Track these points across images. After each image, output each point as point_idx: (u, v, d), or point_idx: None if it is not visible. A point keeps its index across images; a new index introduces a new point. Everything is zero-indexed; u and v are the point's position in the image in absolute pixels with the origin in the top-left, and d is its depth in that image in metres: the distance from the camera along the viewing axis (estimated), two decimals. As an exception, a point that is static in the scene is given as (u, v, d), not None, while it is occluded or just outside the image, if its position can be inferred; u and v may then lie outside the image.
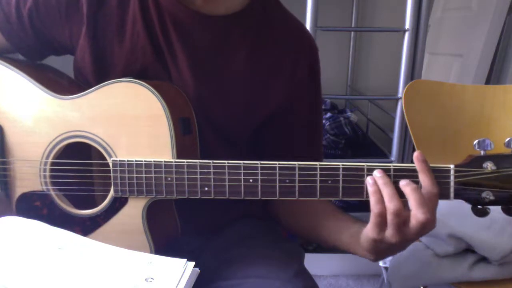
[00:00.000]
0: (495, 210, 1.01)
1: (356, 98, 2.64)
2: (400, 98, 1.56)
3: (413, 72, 1.55)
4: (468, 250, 1.02)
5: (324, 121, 2.21)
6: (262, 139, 0.82)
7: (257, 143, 0.82)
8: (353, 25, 2.53)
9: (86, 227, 0.72)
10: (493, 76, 1.99)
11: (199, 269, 0.52)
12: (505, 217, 0.99)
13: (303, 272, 0.73)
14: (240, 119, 0.78)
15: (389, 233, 0.59)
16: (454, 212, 1.04)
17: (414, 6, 1.48)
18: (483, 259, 1.00)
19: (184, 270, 0.51)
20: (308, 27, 1.49)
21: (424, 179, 0.59)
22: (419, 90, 1.24)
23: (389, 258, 1.36)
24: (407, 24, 1.50)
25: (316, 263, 1.75)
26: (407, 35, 1.51)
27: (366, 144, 2.26)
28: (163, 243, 0.72)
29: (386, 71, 2.27)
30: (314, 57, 0.82)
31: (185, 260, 0.53)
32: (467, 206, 1.05)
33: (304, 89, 0.81)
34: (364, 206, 0.63)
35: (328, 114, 2.26)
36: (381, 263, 1.41)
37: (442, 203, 1.07)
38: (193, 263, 0.52)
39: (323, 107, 2.44)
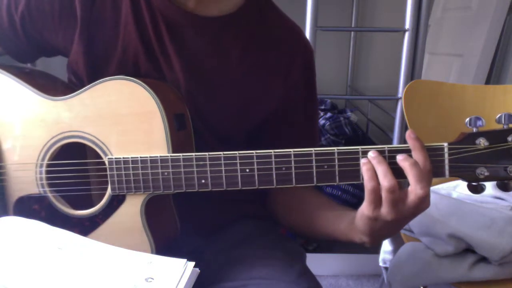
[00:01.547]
0: (495, 210, 1.01)
1: (356, 98, 2.65)
2: (400, 98, 1.56)
3: (413, 72, 1.55)
4: (468, 250, 1.02)
5: (324, 121, 2.21)
6: (259, 140, 0.81)
7: (254, 144, 0.82)
8: (353, 25, 2.53)
9: (85, 227, 0.71)
10: (493, 76, 1.99)
11: (200, 270, 0.52)
12: (505, 217, 1.00)
13: (307, 272, 0.73)
14: (235, 120, 0.78)
15: (384, 210, 0.59)
16: (454, 212, 1.04)
17: (414, 6, 1.48)
18: (483, 259, 1.00)
19: (184, 270, 0.51)
20: (308, 27, 1.49)
21: (417, 156, 0.60)
22: (419, 90, 1.25)
23: (389, 258, 1.36)
24: (407, 24, 1.50)
25: (316, 263, 1.75)
26: (407, 35, 1.51)
27: (366, 144, 2.26)
28: (163, 241, 0.72)
29: (386, 71, 2.27)
30: (309, 57, 0.82)
31: (185, 260, 0.53)
32: (467, 206, 1.05)
33: (299, 90, 0.81)
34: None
35: (328, 114, 2.26)
36: (381, 263, 1.40)
37: (442, 204, 1.07)
38: (193, 263, 0.52)
39: (323, 107, 2.46)
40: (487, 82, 1.99)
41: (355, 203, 1.84)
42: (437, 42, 2.36)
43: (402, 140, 1.61)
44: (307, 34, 1.49)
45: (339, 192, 1.83)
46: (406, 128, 1.55)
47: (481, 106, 1.27)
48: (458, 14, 2.24)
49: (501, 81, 1.96)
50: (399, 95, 1.57)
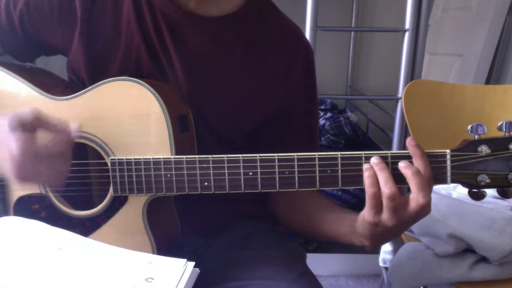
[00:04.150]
0: (495, 210, 1.01)
1: (356, 98, 2.65)
2: (400, 98, 1.56)
3: (413, 72, 1.55)
4: (468, 250, 1.02)
5: (324, 121, 2.21)
6: (260, 141, 0.82)
7: (254, 144, 0.82)
8: (353, 25, 2.53)
9: (86, 228, 0.71)
10: (493, 76, 1.99)
11: (202, 271, 0.52)
12: (505, 217, 1.00)
13: (308, 273, 0.73)
14: (235, 120, 0.78)
15: (385, 216, 0.60)
16: (454, 212, 1.04)
17: (414, 6, 1.48)
18: (483, 259, 1.00)
19: (184, 270, 0.51)
20: (308, 27, 1.49)
21: (417, 163, 0.60)
22: (419, 90, 1.24)
23: (389, 258, 1.36)
24: (407, 24, 1.50)
25: (316, 263, 1.74)
26: (407, 35, 1.51)
27: (366, 144, 2.27)
28: (164, 242, 0.72)
29: (386, 71, 2.27)
30: (309, 58, 0.82)
31: (185, 260, 0.52)
32: (467, 206, 1.05)
33: (299, 91, 0.81)
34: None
35: (328, 114, 2.26)
36: (381, 263, 1.41)
37: (442, 204, 1.07)
38: (193, 263, 0.52)
39: (323, 107, 2.46)
40: (487, 82, 1.99)
41: (355, 202, 1.84)
42: (437, 42, 2.36)
43: (402, 140, 1.61)
44: (307, 34, 1.49)
45: (339, 192, 1.83)
46: (406, 128, 1.55)
47: (481, 106, 1.27)
48: (458, 14, 2.24)
49: (501, 81, 1.96)
50: (399, 95, 1.57)
